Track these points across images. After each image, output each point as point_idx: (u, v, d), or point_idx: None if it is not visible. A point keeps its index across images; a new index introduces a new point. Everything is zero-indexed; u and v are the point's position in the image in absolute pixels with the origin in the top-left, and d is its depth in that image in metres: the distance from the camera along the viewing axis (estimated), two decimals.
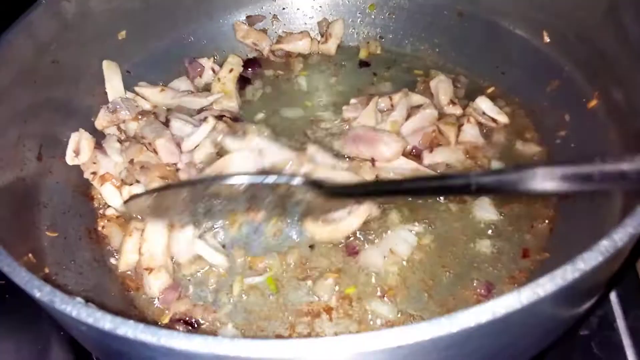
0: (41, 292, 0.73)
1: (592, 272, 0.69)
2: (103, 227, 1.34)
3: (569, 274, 0.68)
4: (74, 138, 1.38)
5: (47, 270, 1.11)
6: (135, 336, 0.66)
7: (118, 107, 1.45)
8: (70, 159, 1.37)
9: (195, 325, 1.18)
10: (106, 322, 0.68)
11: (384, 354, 0.65)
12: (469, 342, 0.69)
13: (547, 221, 1.26)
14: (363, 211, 1.26)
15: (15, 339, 1.30)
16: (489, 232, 1.27)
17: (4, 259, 0.79)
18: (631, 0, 1.15)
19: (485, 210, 1.29)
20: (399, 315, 1.16)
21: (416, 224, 1.29)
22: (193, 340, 0.65)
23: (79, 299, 0.73)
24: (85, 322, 0.69)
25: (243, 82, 1.68)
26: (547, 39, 1.44)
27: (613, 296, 1.24)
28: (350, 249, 1.25)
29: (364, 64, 1.74)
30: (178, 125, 1.44)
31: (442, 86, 1.51)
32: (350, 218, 1.26)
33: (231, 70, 1.62)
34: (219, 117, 1.46)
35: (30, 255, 1.07)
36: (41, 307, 1.23)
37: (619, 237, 0.71)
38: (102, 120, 1.46)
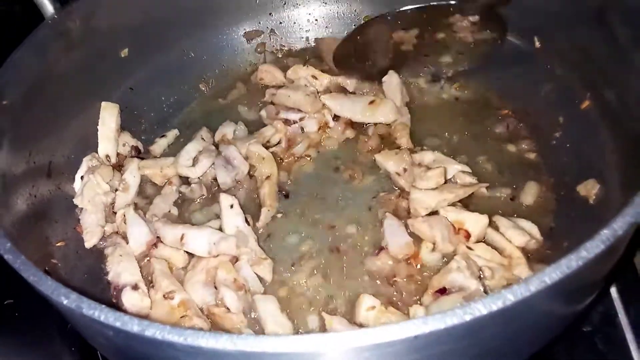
0: (68, 299, 0.75)
1: (595, 260, 0.73)
2: None
3: (573, 262, 0.72)
4: (85, 164, 1.40)
5: None
6: (163, 337, 0.68)
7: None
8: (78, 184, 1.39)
9: None
10: (134, 324, 0.70)
11: (402, 344, 0.68)
12: (482, 331, 0.73)
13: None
14: None
15: (25, 358, 1.31)
16: None
17: (29, 269, 0.81)
18: (619, 3, 1.20)
19: None
20: None
21: None
22: (219, 338, 0.68)
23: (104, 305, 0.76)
24: (113, 325, 0.71)
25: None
26: (537, 44, 1.48)
27: (613, 292, 1.27)
28: None
29: None
30: None
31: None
32: None
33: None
34: None
35: (46, 269, 1.09)
36: (51, 325, 1.25)
37: (619, 225, 0.75)
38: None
